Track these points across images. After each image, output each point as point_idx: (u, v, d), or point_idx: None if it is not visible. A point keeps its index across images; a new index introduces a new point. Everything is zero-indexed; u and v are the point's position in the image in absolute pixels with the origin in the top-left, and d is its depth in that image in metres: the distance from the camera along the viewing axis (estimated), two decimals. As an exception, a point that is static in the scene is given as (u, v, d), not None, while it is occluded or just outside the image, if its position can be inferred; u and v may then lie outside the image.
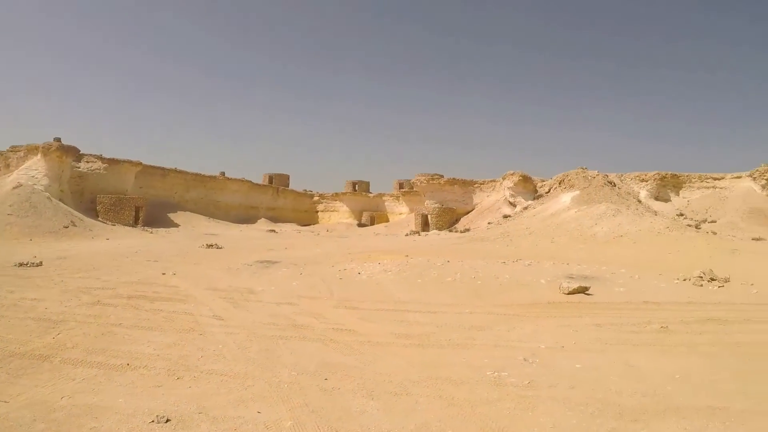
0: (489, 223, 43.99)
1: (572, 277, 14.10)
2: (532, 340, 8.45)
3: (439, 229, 48.87)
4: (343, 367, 6.86)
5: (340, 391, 5.93)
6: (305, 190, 71.63)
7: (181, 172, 53.98)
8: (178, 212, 48.85)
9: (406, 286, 13.54)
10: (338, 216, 68.81)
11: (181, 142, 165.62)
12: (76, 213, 35.87)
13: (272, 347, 7.80)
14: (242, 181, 62.09)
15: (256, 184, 65.12)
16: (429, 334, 8.83)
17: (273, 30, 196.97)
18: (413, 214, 55.55)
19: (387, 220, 64.36)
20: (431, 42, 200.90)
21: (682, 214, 41.20)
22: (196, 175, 55.97)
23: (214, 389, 5.96)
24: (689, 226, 33.22)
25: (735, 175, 47.48)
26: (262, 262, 18.63)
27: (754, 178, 45.69)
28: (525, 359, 7.32)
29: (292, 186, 71.34)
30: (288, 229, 53.32)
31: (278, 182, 69.36)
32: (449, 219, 51.31)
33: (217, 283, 13.88)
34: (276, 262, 18.50)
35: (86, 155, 43.52)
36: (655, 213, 36.83)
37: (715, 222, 38.70)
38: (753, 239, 29.31)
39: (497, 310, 10.92)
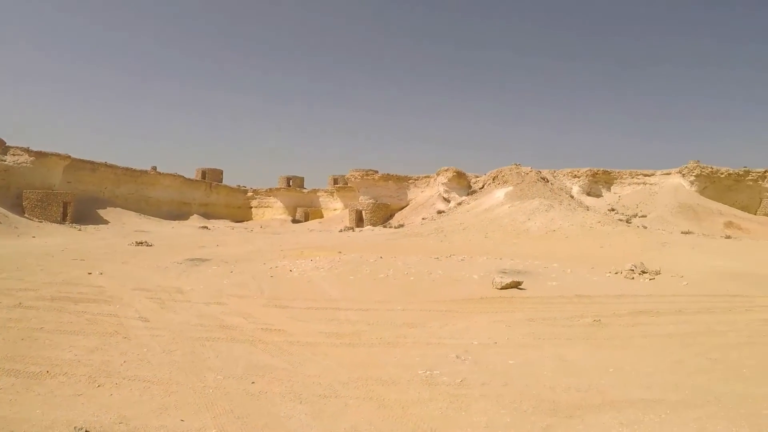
0: (423, 218, 44.22)
1: (505, 272, 14.14)
2: (465, 337, 8.35)
3: (374, 224, 48.85)
4: (271, 369, 6.65)
5: (267, 396, 5.72)
6: (239, 186, 70.46)
7: (111, 166, 51.86)
8: (108, 208, 47.00)
9: (338, 284, 13.32)
10: (272, 212, 68.13)
11: (111, 136, 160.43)
12: (0, 209, 34.15)
13: (198, 350, 7.47)
14: (174, 176, 60.27)
15: (189, 179, 63.33)
16: (360, 332, 8.64)
17: (205, 23, 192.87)
18: (348, 210, 55.44)
19: (321, 216, 64.00)
20: (365, 37, 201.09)
21: (613, 209, 42.36)
22: (127, 169, 53.98)
23: (137, 397, 5.68)
24: (620, 220, 34.18)
25: (665, 171, 49.31)
26: (192, 260, 18.07)
27: (683, 174, 47.80)
28: (457, 356, 7.20)
29: (225, 181, 69.95)
30: (221, 225, 52.36)
31: (211, 177, 67.78)
32: (383, 215, 51.40)
33: (145, 283, 13.31)
34: (206, 260, 17.99)
35: (12, 147, 41.18)
36: (587, 208, 37.76)
37: (645, 217, 39.93)
38: (682, 233, 30.36)
39: (430, 306, 10.83)
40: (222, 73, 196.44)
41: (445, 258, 17.99)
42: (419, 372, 6.50)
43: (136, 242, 25.61)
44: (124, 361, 6.85)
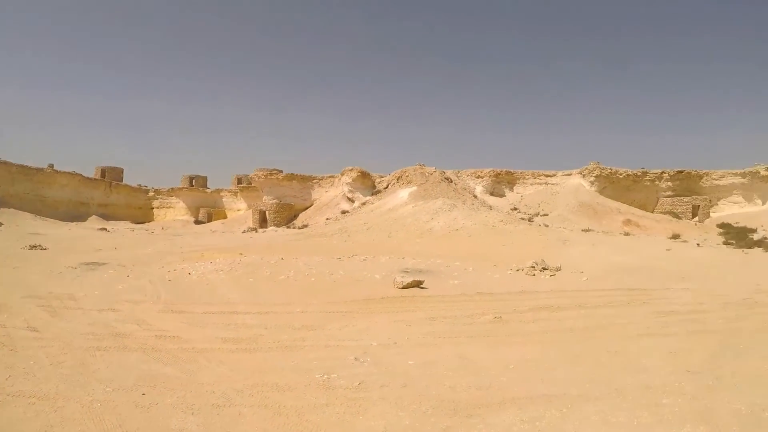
0: (327, 219, 44.08)
1: (407, 272, 14.18)
2: (365, 338, 8.25)
3: (277, 225, 48.26)
4: (163, 378, 6.35)
5: (158, 407, 5.47)
6: (140, 185, 67.59)
7: (4, 163, 48.48)
8: (1, 209, 44.10)
9: (237, 287, 13.01)
10: (174, 213, 66.09)
11: (4, 130, 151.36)
12: None
13: (88, 361, 7.02)
14: (72, 174, 57.06)
15: (88, 178, 60.03)
16: (257, 337, 8.39)
17: (104, 21, 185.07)
18: (251, 210, 54.62)
19: (225, 217, 62.80)
20: (267, 36, 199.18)
21: (516, 209, 43.61)
22: (22, 167, 50.73)
23: (21, 414, 5.31)
24: (522, 219, 35.16)
25: (566, 172, 51.53)
26: (88, 264, 17.13)
27: (584, 175, 50.34)
28: (356, 359, 7.07)
29: (126, 181, 66.94)
30: (121, 227, 50.02)
31: (111, 176, 64.56)
32: (288, 215, 51.01)
33: (37, 290, 12.43)
34: (103, 264, 17.10)
35: None
36: (490, 207, 38.64)
37: (547, 215, 41.28)
38: (582, 231, 31.50)
39: (330, 308, 10.69)
40: (124, 69, 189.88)
41: (348, 258, 17.93)
42: (316, 376, 6.34)
43: (30, 245, 24.10)
44: (9, 376, 6.39)
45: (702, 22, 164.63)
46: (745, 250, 22.95)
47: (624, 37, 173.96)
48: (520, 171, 52.37)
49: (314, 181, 54.07)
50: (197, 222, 61.11)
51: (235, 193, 64.62)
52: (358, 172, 48.38)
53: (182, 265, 16.34)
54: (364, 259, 17.43)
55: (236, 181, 66.66)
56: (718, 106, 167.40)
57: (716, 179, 48.88)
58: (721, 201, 48.58)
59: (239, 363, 7.00)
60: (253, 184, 57.33)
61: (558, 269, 14.76)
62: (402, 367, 6.67)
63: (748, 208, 46.83)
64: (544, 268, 14.69)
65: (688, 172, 49.55)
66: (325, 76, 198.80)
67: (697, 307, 10.60)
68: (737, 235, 27.36)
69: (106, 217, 57.70)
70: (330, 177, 53.54)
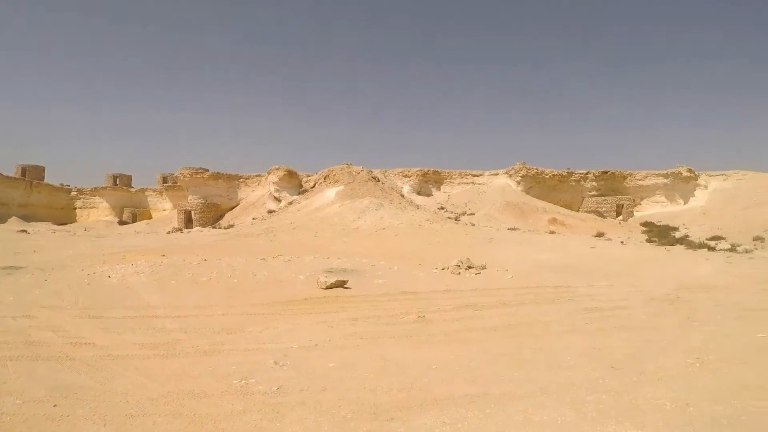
0: (254, 218, 43.67)
1: (331, 271, 14.06)
2: (285, 340, 8.09)
3: (203, 225, 47.40)
4: (76, 389, 6.06)
5: (69, 419, 5.23)
6: (62, 185, 64.71)
7: None
8: None
9: (157, 289, 12.58)
10: (98, 213, 63.68)
11: None
12: None
13: None
14: None
15: (7, 177, 57.00)
16: (175, 342, 8.11)
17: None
18: (176, 210, 53.51)
19: (150, 217, 61.19)
20: (196, 36, 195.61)
21: (442, 208, 44.13)
22: None
23: None
24: (449, 218, 35.59)
25: (493, 172, 52.53)
26: (4, 268, 16.29)
27: (510, 175, 51.51)
28: (276, 362, 6.89)
29: (47, 180, 63.96)
30: (42, 228, 47.75)
31: (32, 175, 61.53)
32: (213, 215, 50.37)
33: None
34: (20, 268, 16.27)
35: None
36: (417, 207, 38.95)
37: (473, 214, 41.95)
38: (509, 229, 32.12)
39: (252, 309, 10.50)
40: (44, 62, 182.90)
41: (272, 258, 17.63)
42: (234, 382, 6.17)
43: (-57, 250, 22.81)
44: None
45: (616, 21, 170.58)
46: (668, 247, 24.00)
47: (543, 37, 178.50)
48: (447, 171, 53.08)
49: (241, 180, 53.58)
50: (121, 223, 59.38)
51: (161, 193, 63.16)
52: (285, 171, 48.15)
53: (102, 268, 15.69)
54: (289, 260, 17.16)
55: (161, 180, 64.93)
56: (642, 108, 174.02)
57: (640, 180, 50.98)
58: (645, 200, 50.66)
59: (155, 370, 6.77)
60: (178, 183, 56.15)
61: (483, 267, 14.90)
62: (322, 370, 6.54)
63: (670, 208, 49.08)
64: (470, 267, 14.80)
65: (613, 173, 51.39)
66: (253, 74, 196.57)
67: (621, 303, 10.88)
68: (660, 233, 28.61)
69: (27, 218, 55.07)
70: (257, 176, 53.16)
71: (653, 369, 6.41)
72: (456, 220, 35.71)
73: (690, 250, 22.50)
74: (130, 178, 67.16)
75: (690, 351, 7.22)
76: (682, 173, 48.21)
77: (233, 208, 52.09)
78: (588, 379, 6.02)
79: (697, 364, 6.62)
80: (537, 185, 50.49)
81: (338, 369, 6.61)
